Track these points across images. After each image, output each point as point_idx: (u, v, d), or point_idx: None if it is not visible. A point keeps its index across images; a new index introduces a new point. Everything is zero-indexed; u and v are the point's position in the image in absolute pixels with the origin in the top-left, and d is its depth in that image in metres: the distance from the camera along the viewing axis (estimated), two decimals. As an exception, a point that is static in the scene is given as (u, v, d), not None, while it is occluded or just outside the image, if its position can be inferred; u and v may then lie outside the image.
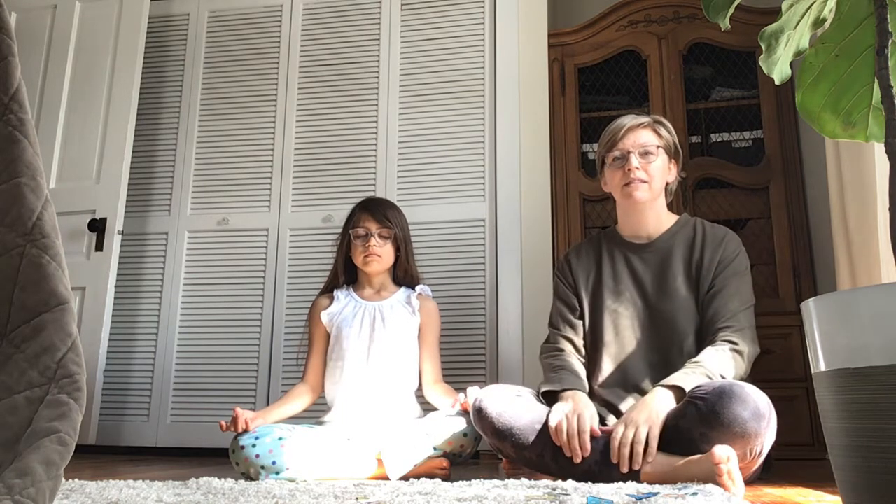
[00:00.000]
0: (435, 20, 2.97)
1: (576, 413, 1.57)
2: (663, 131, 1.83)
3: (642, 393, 1.70)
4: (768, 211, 2.61)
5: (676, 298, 1.75)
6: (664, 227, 1.85)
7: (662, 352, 1.74)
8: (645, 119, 1.82)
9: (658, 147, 1.80)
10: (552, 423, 1.57)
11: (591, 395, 1.75)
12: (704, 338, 1.70)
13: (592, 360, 1.81)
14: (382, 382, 2.02)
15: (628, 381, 1.74)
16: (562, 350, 1.83)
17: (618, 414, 1.71)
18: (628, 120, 1.82)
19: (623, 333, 1.78)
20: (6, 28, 0.86)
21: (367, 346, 2.04)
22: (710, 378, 1.55)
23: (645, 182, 1.79)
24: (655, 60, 2.80)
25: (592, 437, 1.54)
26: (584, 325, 1.85)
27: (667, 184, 1.86)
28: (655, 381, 1.69)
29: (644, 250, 1.84)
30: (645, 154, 1.79)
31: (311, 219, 2.89)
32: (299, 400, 2.05)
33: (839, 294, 0.93)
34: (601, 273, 1.86)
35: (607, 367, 1.77)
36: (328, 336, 2.11)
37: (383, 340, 2.04)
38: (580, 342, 1.84)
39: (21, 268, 0.80)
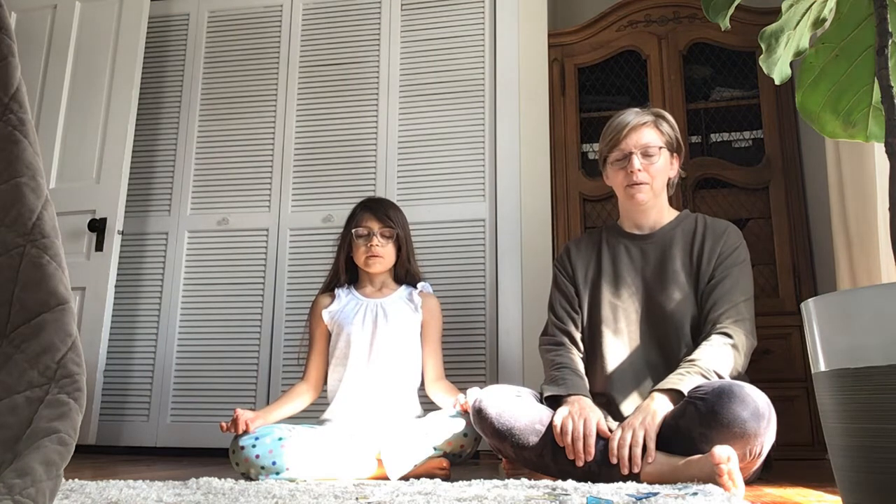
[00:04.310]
0: (435, 20, 2.97)
1: (582, 416, 1.57)
2: (665, 127, 1.83)
3: (641, 384, 1.70)
4: (768, 211, 2.61)
5: (676, 289, 1.75)
6: (665, 220, 1.86)
7: (661, 342, 1.74)
8: (647, 118, 1.82)
9: (660, 148, 1.80)
10: (557, 422, 1.57)
11: (590, 384, 1.75)
12: (703, 329, 1.70)
13: (592, 352, 1.81)
14: (385, 379, 2.02)
15: (628, 374, 1.73)
16: (561, 344, 1.82)
17: (616, 408, 1.71)
18: (631, 117, 1.81)
19: (621, 324, 1.78)
20: (6, 28, 0.86)
21: (370, 342, 2.04)
22: (706, 377, 1.55)
23: (647, 184, 1.79)
24: (655, 60, 2.80)
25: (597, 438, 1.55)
26: (582, 316, 1.85)
27: (668, 178, 1.86)
28: (655, 373, 1.69)
29: (644, 241, 1.84)
30: (647, 154, 1.79)
31: (311, 219, 2.89)
32: (300, 399, 2.05)
33: (839, 294, 0.93)
34: (601, 263, 1.86)
35: (607, 358, 1.76)
36: (329, 334, 2.11)
37: (386, 336, 2.05)
38: (578, 335, 1.83)
39: (21, 268, 0.80)
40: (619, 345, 1.77)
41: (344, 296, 2.13)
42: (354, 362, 2.03)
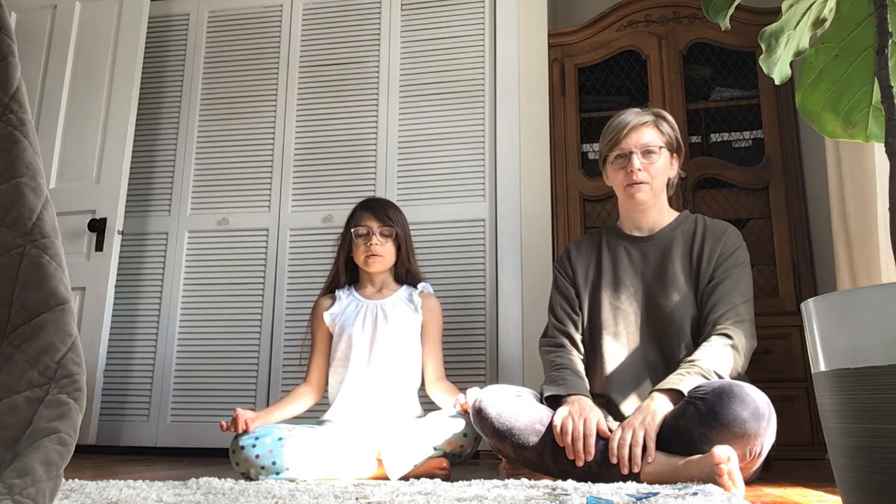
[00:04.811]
0: (435, 20, 2.97)
1: (582, 416, 1.57)
2: (665, 127, 1.83)
3: (640, 385, 1.70)
4: (768, 211, 2.61)
5: (676, 291, 1.75)
6: (665, 221, 1.86)
7: (662, 344, 1.74)
8: (648, 117, 1.82)
9: (660, 147, 1.80)
10: (557, 422, 1.57)
11: (590, 385, 1.75)
12: (703, 330, 1.70)
13: (592, 353, 1.81)
14: (385, 381, 2.02)
15: (628, 375, 1.74)
16: (561, 346, 1.82)
17: (616, 409, 1.71)
18: (631, 117, 1.81)
19: (622, 326, 1.78)
20: (6, 28, 0.86)
21: (370, 344, 2.04)
22: (706, 377, 1.55)
23: (647, 183, 1.79)
24: (655, 60, 2.80)
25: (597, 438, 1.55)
26: (582, 318, 1.85)
27: (668, 178, 1.86)
28: (654, 375, 1.69)
29: (644, 243, 1.84)
30: (647, 153, 1.79)
31: (311, 219, 2.89)
32: (302, 400, 2.05)
33: (839, 294, 0.93)
34: (601, 265, 1.86)
35: (607, 360, 1.76)
36: (331, 336, 2.11)
37: (386, 338, 2.04)
38: (578, 337, 1.83)
39: (21, 268, 0.80)
40: (619, 347, 1.76)
41: (345, 297, 2.13)
42: (355, 364, 2.03)
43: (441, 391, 2.05)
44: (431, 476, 1.75)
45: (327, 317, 2.11)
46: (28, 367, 0.77)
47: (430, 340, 2.11)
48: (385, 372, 2.03)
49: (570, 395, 1.66)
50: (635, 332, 1.76)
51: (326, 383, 2.10)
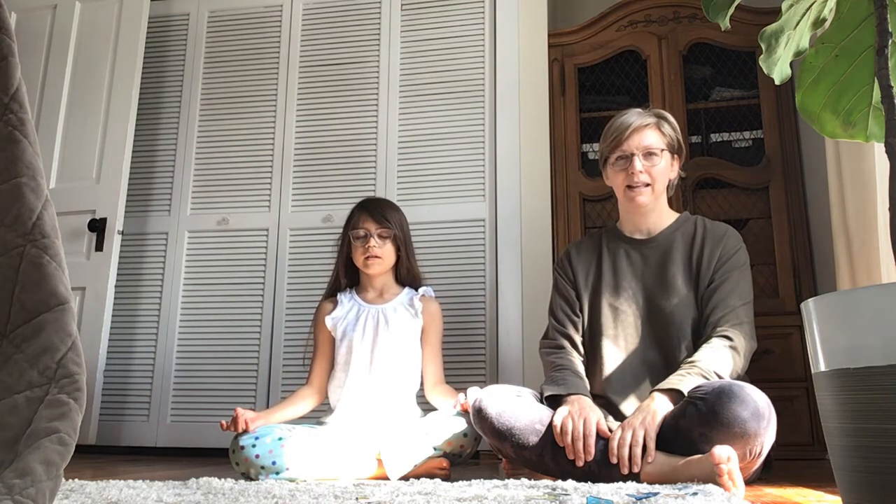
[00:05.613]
0: (435, 20, 2.97)
1: (581, 416, 1.57)
2: (667, 129, 1.82)
3: (641, 388, 1.70)
4: (768, 211, 2.61)
5: (676, 293, 1.75)
6: (665, 223, 1.85)
7: (662, 347, 1.74)
8: (650, 119, 1.81)
9: (662, 150, 1.80)
10: (556, 422, 1.57)
11: (591, 389, 1.75)
12: (703, 332, 1.70)
13: (591, 356, 1.81)
14: (385, 386, 2.02)
15: (627, 377, 1.74)
16: (562, 347, 1.82)
17: (616, 410, 1.71)
18: (634, 118, 1.81)
19: (621, 329, 1.78)
20: (6, 28, 0.86)
21: (371, 350, 2.04)
22: (706, 378, 1.55)
23: (648, 185, 1.79)
24: (655, 60, 2.80)
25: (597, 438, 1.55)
26: (582, 320, 1.85)
27: (669, 180, 1.86)
28: (654, 377, 1.69)
29: (644, 246, 1.84)
30: (649, 156, 1.79)
31: (311, 219, 2.89)
32: (303, 402, 2.05)
33: (839, 294, 0.93)
34: (601, 268, 1.86)
35: (606, 362, 1.76)
36: (333, 340, 2.10)
37: (386, 344, 2.04)
38: (579, 339, 1.83)
39: (21, 268, 0.80)
40: (618, 349, 1.77)
41: (346, 301, 2.12)
42: (355, 370, 2.02)
43: (440, 395, 2.04)
44: (431, 476, 1.75)
45: (329, 321, 2.10)
46: (28, 367, 0.77)
47: (430, 345, 2.10)
48: (385, 378, 2.02)
49: (570, 394, 1.66)
50: (635, 334, 1.76)
51: (328, 385, 2.10)
